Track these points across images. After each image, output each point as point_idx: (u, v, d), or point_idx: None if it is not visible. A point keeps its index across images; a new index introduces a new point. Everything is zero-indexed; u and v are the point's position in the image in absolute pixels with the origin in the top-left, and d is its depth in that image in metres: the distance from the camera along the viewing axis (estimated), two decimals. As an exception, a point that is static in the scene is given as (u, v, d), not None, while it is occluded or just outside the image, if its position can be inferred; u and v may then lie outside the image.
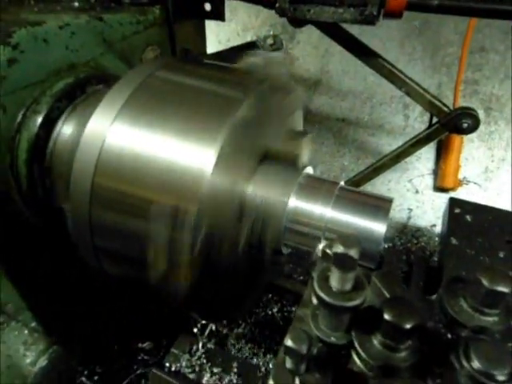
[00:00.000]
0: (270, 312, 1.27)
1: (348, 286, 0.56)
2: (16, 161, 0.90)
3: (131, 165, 0.73)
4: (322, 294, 0.56)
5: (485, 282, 0.55)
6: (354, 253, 0.53)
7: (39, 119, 0.90)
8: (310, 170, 0.86)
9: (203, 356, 1.12)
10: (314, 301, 0.60)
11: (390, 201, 0.76)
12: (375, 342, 0.57)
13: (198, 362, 1.11)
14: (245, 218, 0.78)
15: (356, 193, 0.82)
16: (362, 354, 0.57)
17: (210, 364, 1.10)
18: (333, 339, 0.59)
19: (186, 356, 1.12)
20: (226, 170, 0.72)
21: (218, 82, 0.83)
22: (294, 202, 0.79)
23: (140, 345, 1.27)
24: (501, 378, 0.48)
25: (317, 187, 0.80)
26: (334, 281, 0.56)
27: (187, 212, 0.68)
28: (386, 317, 0.54)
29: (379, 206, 0.75)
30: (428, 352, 0.57)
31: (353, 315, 0.59)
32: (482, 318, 0.58)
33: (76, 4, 1.20)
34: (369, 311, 0.60)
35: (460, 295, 0.60)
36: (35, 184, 0.93)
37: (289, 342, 0.54)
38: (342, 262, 0.54)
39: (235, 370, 1.09)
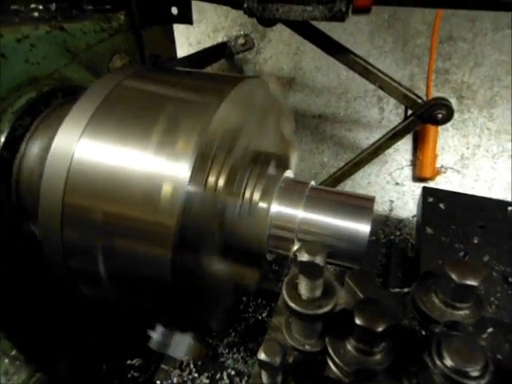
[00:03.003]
0: (259, 317, 1.25)
1: (317, 293, 0.56)
2: (-20, 184, 0.85)
3: (103, 181, 0.69)
4: (291, 303, 0.55)
5: (454, 277, 0.55)
6: (319, 260, 0.52)
7: (2, 139, 0.85)
8: (289, 173, 0.84)
9: (194, 370, 1.09)
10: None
11: (372, 200, 0.75)
12: (349, 346, 0.57)
13: (190, 377, 1.07)
14: (226, 228, 0.76)
15: (337, 193, 0.80)
16: (337, 360, 0.56)
17: (201, 378, 1.07)
18: (307, 347, 0.59)
19: (177, 371, 1.09)
20: (203, 179, 0.69)
21: (189, 88, 0.80)
22: (276, 208, 0.77)
23: (129, 362, 1.23)
24: (474, 373, 0.48)
25: (297, 191, 0.79)
26: (303, 288, 0.56)
27: (166, 227, 0.65)
28: (358, 321, 0.54)
29: (362, 205, 0.73)
30: (403, 351, 0.57)
31: (325, 320, 0.58)
32: (454, 313, 0.58)
33: (36, 14, 1.15)
34: (341, 315, 0.59)
35: (432, 291, 0.60)
36: (2, 206, 0.88)
37: (262, 356, 0.54)
38: (309, 270, 0.53)
39: (227, 381, 1.07)
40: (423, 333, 0.60)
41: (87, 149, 0.72)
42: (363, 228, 0.71)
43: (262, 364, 0.54)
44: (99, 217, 0.70)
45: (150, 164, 0.68)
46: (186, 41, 2.44)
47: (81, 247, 0.73)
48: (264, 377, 0.57)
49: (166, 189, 0.66)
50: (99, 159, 0.71)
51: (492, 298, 1.13)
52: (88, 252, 0.72)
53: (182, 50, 2.17)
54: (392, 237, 1.78)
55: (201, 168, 0.68)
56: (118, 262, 0.71)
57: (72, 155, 0.72)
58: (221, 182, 0.73)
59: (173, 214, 0.65)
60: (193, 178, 0.66)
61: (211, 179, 0.71)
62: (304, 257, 0.52)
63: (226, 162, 0.73)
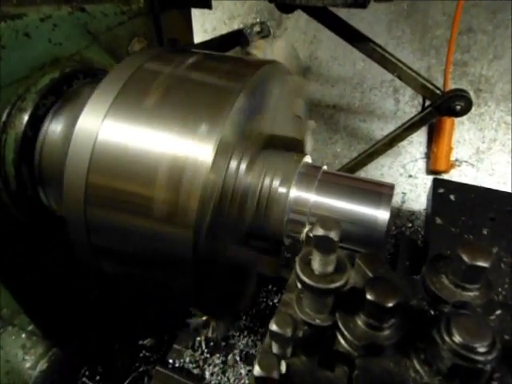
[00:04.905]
0: (270, 303, 1.26)
1: (330, 269, 0.56)
2: (3, 161, 0.87)
3: (126, 161, 0.70)
4: (304, 278, 0.56)
5: (465, 258, 0.55)
6: (333, 235, 0.53)
7: (25, 117, 0.86)
8: (308, 158, 0.85)
9: (206, 350, 1.11)
10: (299, 285, 0.59)
11: (391, 187, 0.75)
12: (359, 322, 0.58)
13: (202, 357, 1.10)
14: (246, 211, 0.77)
15: (357, 180, 0.81)
16: (347, 334, 0.57)
17: (212, 358, 1.09)
18: (317, 321, 0.59)
19: (189, 351, 1.11)
20: (224, 164, 0.69)
21: (211, 71, 0.80)
22: (295, 193, 0.77)
23: (141, 342, 1.26)
24: (481, 349, 0.49)
25: (317, 176, 0.79)
26: (316, 264, 0.56)
27: (188, 208, 0.66)
28: (368, 296, 0.55)
29: (382, 192, 0.74)
30: (412, 329, 0.58)
31: (336, 297, 0.59)
32: (463, 294, 0.59)
33: (56, -5, 1.16)
34: (352, 292, 0.60)
35: (442, 272, 0.61)
36: (24, 184, 0.90)
37: (273, 327, 0.54)
38: (323, 245, 0.54)
39: (238, 361, 1.09)
40: (432, 312, 0.61)
41: (111, 129, 0.73)
42: (382, 215, 0.71)
43: (273, 335, 0.55)
44: (122, 197, 0.71)
45: (172, 146, 0.69)
46: (202, 27, 2.43)
47: (103, 226, 0.74)
48: (274, 348, 0.57)
49: (189, 171, 0.67)
50: (123, 140, 0.72)
51: (500, 289, 1.14)
52: (110, 230, 0.74)
53: (198, 36, 2.15)
54: (403, 228, 1.78)
55: (223, 152, 0.68)
56: (140, 241, 0.72)
57: (96, 136, 0.73)
58: (242, 167, 0.74)
59: (195, 197, 0.66)
60: (215, 162, 0.67)
61: (233, 163, 0.72)
62: (319, 231, 0.53)
63: (248, 146, 0.73)
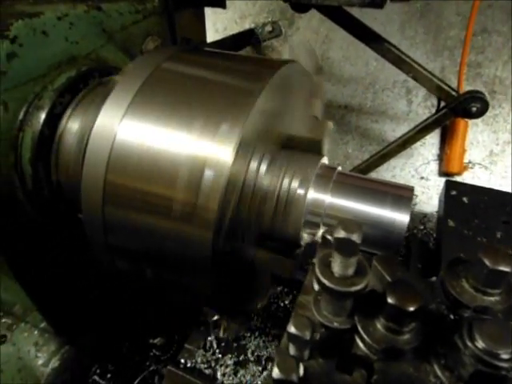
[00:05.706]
0: (282, 304, 1.26)
1: (350, 271, 0.56)
2: (20, 160, 0.87)
3: (145, 160, 0.70)
4: (324, 280, 0.55)
5: (487, 262, 0.54)
6: (355, 237, 0.52)
7: (42, 115, 0.87)
8: (325, 159, 0.84)
9: (218, 351, 1.11)
10: (316, 287, 0.59)
11: (411, 189, 0.74)
12: (378, 325, 0.57)
13: (214, 357, 1.10)
14: (264, 213, 0.76)
15: (374, 182, 0.80)
16: (366, 337, 0.56)
17: (224, 358, 1.09)
18: (335, 324, 0.59)
19: (201, 351, 1.11)
20: (244, 164, 0.69)
21: (229, 71, 0.79)
22: (313, 194, 0.77)
23: (151, 341, 1.26)
24: (505, 356, 0.48)
25: (332, 177, 0.78)
26: (336, 266, 0.55)
27: (208, 209, 0.66)
28: (389, 300, 0.54)
29: (401, 195, 0.73)
30: (431, 333, 0.57)
31: (355, 299, 0.58)
32: (484, 298, 0.58)
33: (72, -6, 1.16)
34: (371, 295, 0.59)
35: (462, 276, 0.60)
36: (41, 183, 0.90)
37: (292, 329, 0.54)
38: (344, 247, 0.53)
39: (250, 362, 1.09)
40: (451, 317, 0.60)
41: (130, 129, 0.73)
42: (401, 218, 0.70)
43: (291, 337, 0.55)
44: (140, 196, 0.71)
45: (192, 147, 0.69)
46: (213, 27, 2.43)
47: (121, 225, 0.74)
48: (291, 350, 0.57)
49: (208, 172, 0.67)
50: (141, 140, 0.72)
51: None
52: (128, 230, 0.74)
53: (209, 35, 2.16)
54: (415, 230, 1.76)
55: (244, 152, 0.68)
56: (158, 240, 0.72)
57: (115, 135, 0.73)
58: (262, 167, 0.74)
59: (215, 197, 0.66)
60: (235, 162, 0.66)
61: (253, 164, 0.71)
62: (340, 233, 0.52)
63: (267, 146, 0.73)
